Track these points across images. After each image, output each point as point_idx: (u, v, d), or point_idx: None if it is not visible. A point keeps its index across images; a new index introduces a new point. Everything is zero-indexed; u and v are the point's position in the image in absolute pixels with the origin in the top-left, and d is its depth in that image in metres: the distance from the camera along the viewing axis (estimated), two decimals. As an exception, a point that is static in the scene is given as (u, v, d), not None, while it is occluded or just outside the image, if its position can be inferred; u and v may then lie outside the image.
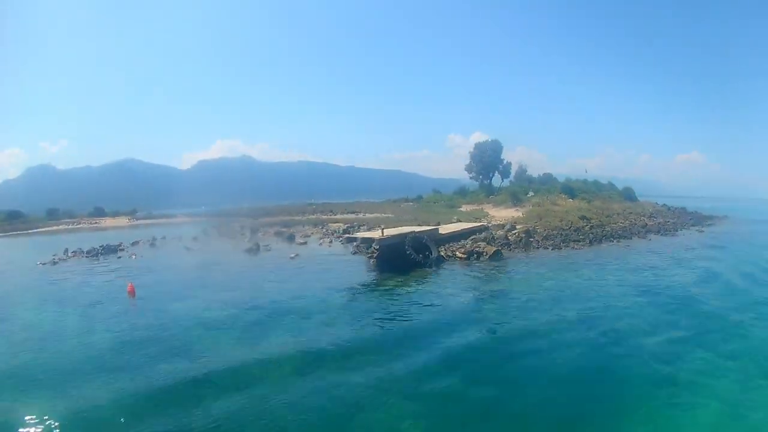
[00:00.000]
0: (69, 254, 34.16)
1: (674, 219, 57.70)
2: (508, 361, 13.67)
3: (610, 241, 40.17)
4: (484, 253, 31.54)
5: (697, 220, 59.32)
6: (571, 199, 65.05)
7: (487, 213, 54.81)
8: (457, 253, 31.75)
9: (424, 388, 11.76)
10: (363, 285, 24.60)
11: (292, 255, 33.16)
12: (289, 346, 14.57)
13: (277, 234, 44.83)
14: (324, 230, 47.32)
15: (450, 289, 23.27)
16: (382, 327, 16.93)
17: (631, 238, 41.89)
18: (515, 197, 63.56)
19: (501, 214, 53.77)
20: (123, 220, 74.83)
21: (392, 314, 18.58)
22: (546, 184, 77.33)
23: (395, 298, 21.47)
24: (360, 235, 31.72)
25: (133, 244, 39.97)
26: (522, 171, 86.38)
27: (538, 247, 36.28)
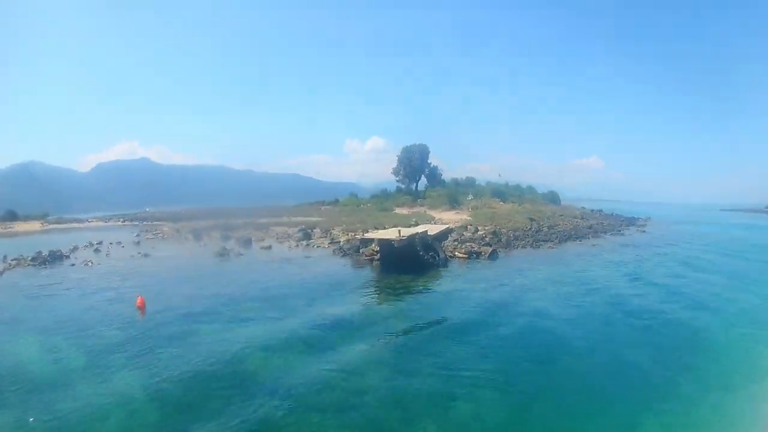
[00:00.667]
0: (10, 262, 28.80)
1: (608, 221, 61.04)
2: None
3: (575, 240, 41.40)
4: (482, 253, 31.00)
5: (629, 221, 63.42)
6: (502, 202, 66.60)
7: (432, 216, 54.24)
8: (457, 253, 30.86)
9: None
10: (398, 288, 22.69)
11: (278, 257, 30.33)
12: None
13: (226, 238, 41.13)
14: (275, 234, 44.20)
15: (483, 284, 23.37)
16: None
17: (589, 238, 43.50)
18: (453, 200, 63.93)
19: (446, 216, 53.57)
20: (35, 225, 66.78)
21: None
22: (470, 188, 78.74)
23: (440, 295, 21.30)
24: (376, 235, 29.38)
25: (73, 250, 34.75)
26: (438, 175, 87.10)
27: (516, 247, 36.26)
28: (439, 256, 28.61)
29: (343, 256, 32.15)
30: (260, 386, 11.01)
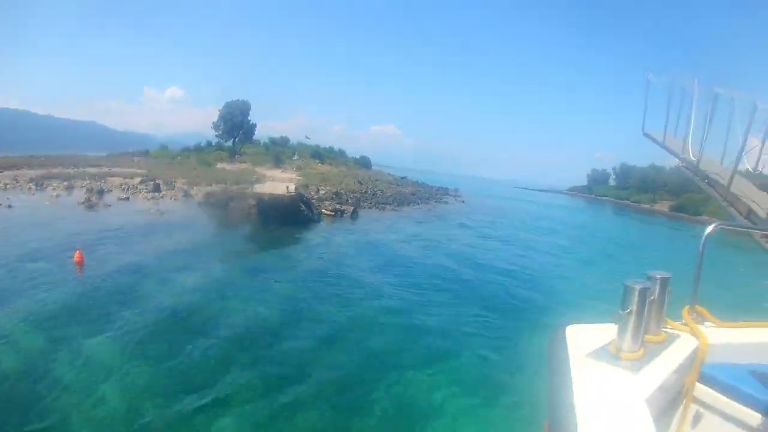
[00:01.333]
0: None
1: (423, 189, 67.85)
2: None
3: (409, 205, 47.25)
4: (345, 211, 34.50)
5: (443, 191, 71.07)
6: (321, 164, 70.34)
7: (263, 174, 55.26)
8: (324, 210, 33.69)
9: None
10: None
11: (153, 210, 29.93)
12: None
13: (69, 188, 38.03)
14: (118, 185, 41.84)
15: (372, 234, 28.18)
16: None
17: (419, 204, 49.79)
18: (277, 159, 65.87)
19: (275, 174, 54.98)
20: None
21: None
22: (284, 147, 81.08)
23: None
24: (266, 189, 32.43)
25: None
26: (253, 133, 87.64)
27: (363, 208, 40.25)
28: (313, 212, 31.27)
29: (211, 207, 32.72)
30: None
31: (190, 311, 12.82)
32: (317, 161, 71.87)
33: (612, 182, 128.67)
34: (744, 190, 5.67)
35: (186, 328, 11.68)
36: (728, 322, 3.08)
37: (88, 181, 42.05)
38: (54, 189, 37.63)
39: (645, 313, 2.28)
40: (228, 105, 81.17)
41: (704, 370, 2.64)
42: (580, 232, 41.63)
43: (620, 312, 2.24)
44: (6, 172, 47.63)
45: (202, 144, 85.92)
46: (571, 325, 2.64)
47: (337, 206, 35.23)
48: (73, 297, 13.29)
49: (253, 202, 30.67)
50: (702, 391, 2.65)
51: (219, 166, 64.48)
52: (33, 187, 37.73)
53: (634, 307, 2.21)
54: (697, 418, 2.70)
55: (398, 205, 45.02)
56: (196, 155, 76.23)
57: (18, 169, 50.76)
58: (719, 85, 5.67)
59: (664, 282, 2.55)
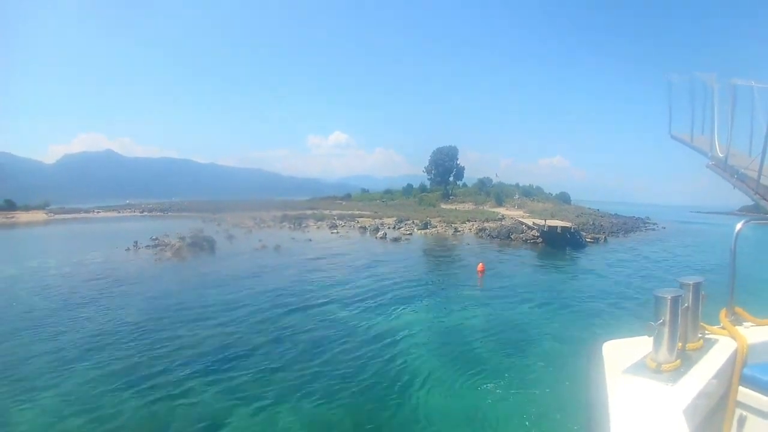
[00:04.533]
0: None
1: (620, 220, 75.82)
2: None
3: (631, 232, 57.01)
4: (600, 239, 45.46)
5: (642, 222, 78.63)
6: (531, 201, 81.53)
7: (499, 212, 67.75)
8: (587, 238, 44.91)
9: None
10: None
11: (452, 242, 43.39)
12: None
13: (332, 226, 53.49)
14: (378, 223, 56.85)
15: (630, 253, 37.59)
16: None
17: (635, 232, 59.43)
18: (499, 198, 78.34)
19: (508, 212, 67.49)
20: (39, 215, 68.63)
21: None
22: (490, 187, 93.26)
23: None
24: (557, 223, 44.15)
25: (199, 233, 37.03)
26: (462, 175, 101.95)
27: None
28: (582, 239, 42.86)
29: (491, 239, 45.61)
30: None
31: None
32: (527, 199, 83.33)
33: (754, 195, 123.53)
34: None
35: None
36: None
37: (342, 222, 56.95)
38: (318, 228, 52.69)
39: (679, 321, 2.39)
40: (438, 151, 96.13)
41: (746, 372, 2.67)
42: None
43: (652, 324, 2.35)
44: (224, 214, 58.54)
45: (383, 187, 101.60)
46: (608, 342, 2.78)
47: (594, 235, 46.55)
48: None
49: (536, 233, 43.13)
50: (745, 394, 2.66)
51: (444, 206, 78.53)
52: (288, 226, 52.59)
53: (667, 317, 2.33)
54: (741, 422, 2.71)
55: (624, 233, 55.35)
56: (403, 198, 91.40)
57: (231, 212, 61.26)
58: (736, 77, 5.61)
59: (697, 287, 2.66)
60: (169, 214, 73.57)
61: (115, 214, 73.37)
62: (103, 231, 47.81)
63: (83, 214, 71.19)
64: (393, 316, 17.41)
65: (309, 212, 64.79)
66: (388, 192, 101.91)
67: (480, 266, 27.78)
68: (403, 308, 18.63)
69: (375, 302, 19.43)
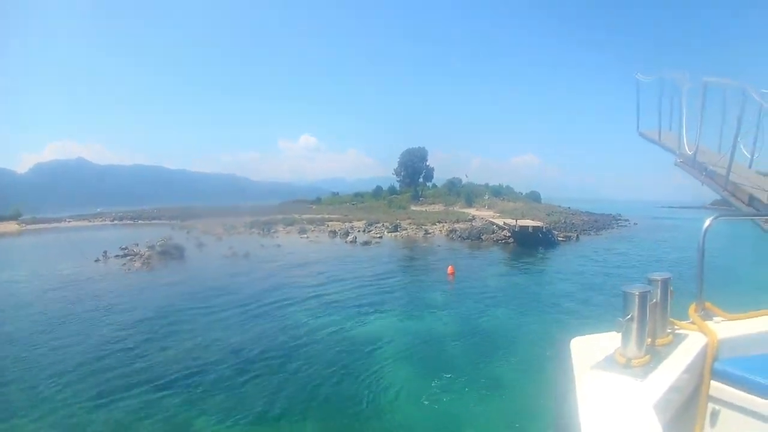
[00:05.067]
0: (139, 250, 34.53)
1: (593, 217, 76.17)
2: None
3: (602, 231, 57.08)
4: (572, 237, 45.23)
5: (614, 218, 78.99)
6: (501, 201, 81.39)
7: (469, 213, 67.24)
8: (559, 236, 44.56)
9: None
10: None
11: (423, 244, 42.73)
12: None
13: (302, 231, 52.61)
14: (348, 227, 55.91)
15: (603, 252, 37.12)
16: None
17: (606, 230, 59.32)
18: (469, 199, 77.96)
19: (478, 213, 67.01)
20: (11, 226, 65.47)
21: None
22: (459, 186, 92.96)
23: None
24: (528, 223, 44.00)
25: (167, 241, 37.08)
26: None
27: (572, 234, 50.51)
28: (554, 238, 42.47)
29: (462, 241, 44.92)
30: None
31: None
32: (497, 198, 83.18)
33: (723, 192, 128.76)
34: (744, 177, 5.69)
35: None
36: (738, 315, 3.16)
37: (312, 226, 55.83)
38: (288, 233, 51.88)
39: (647, 317, 2.39)
40: (407, 152, 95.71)
41: (717, 367, 2.67)
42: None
43: (621, 320, 2.32)
44: (194, 221, 59.80)
45: (355, 190, 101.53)
46: (576, 338, 2.76)
47: (566, 233, 46.24)
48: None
49: (507, 233, 42.56)
50: (717, 388, 2.66)
51: (414, 208, 77.89)
52: (258, 231, 52.00)
53: (635, 313, 2.31)
54: (714, 416, 2.72)
55: (596, 231, 55.18)
56: (373, 200, 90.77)
57: (200, 219, 62.80)
58: (710, 76, 5.69)
59: (665, 283, 2.65)
60: (139, 222, 73.03)
61: (86, 223, 72.21)
62: (73, 241, 46.43)
63: (54, 224, 69.69)
64: (363, 323, 17.20)
65: (279, 217, 63.71)
66: (358, 195, 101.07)
67: (450, 269, 27.76)
68: (373, 314, 18.48)
69: (344, 309, 19.26)
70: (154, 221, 72.83)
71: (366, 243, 42.99)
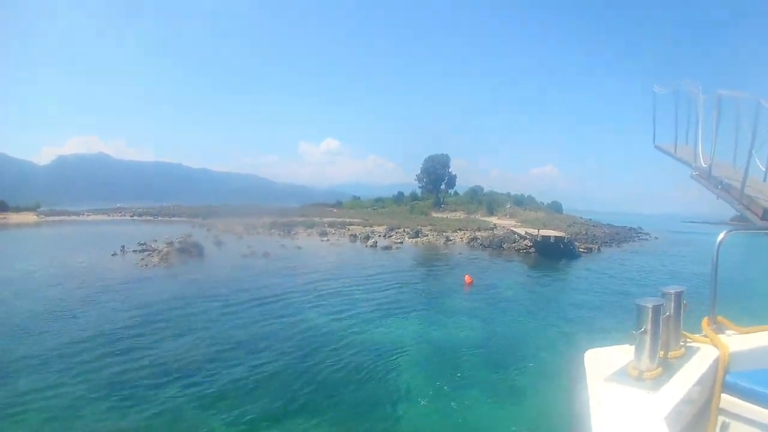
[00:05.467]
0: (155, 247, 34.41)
1: (613, 229, 75.60)
2: None
3: (624, 243, 56.87)
4: (593, 249, 45.13)
5: (635, 232, 78.42)
6: (522, 210, 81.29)
7: (490, 221, 67.40)
8: (580, 248, 44.58)
9: None
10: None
11: (443, 251, 43.11)
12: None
13: (323, 234, 53.07)
14: (369, 231, 56.27)
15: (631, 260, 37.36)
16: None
17: (629, 242, 59.25)
18: (490, 207, 78.02)
19: (500, 222, 67.14)
20: (30, 216, 69.06)
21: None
22: (482, 195, 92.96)
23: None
24: (544, 232, 43.85)
25: (187, 239, 37.14)
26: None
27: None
28: (575, 249, 42.52)
29: (483, 249, 45.19)
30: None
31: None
32: (519, 207, 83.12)
33: (737, 206, 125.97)
34: (758, 191, 5.60)
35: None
36: (750, 328, 3.18)
37: (333, 229, 56.34)
38: (308, 235, 52.24)
39: (660, 330, 2.41)
40: (430, 158, 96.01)
41: (729, 380, 2.69)
42: None
43: (634, 333, 2.37)
44: (214, 220, 60.72)
45: (374, 194, 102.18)
46: (590, 350, 2.80)
47: (587, 245, 46.31)
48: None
49: (528, 242, 42.77)
50: (728, 401, 2.68)
51: (435, 215, 78.13)
52: (302, 232, 53.17)
53: (648, 326, 2.34)
54: (724, 429, 2.73)
55: (618, 243, 55.22)
56: (394, 205, 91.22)
57: (221, 217, 63.32)
58: (723, 87, 5.61)
59: (679, 296, 2.69)
60: (159, 218, 73.72)
61: (104, 217, 73.67)
62: (91, 234, 47.34)
63: (73, 217, 71.26)
64: (381, 328, 17.21)
65: (299, 219, 64.34)
66: (379, 200, 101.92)
67: (467, 278, 27.50)
68: (392, 320, 18.41)
69: (363, 313, 19.22)
70: (174, 218, 73.46)
71: (387, 248, 43.21)
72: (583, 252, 43.97)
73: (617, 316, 19.63)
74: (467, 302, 22.71)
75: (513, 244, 44.62)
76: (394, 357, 13.94)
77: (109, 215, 76.31)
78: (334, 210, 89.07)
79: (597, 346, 2.88)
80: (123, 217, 74.35)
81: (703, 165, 6.29)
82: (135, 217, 74.60)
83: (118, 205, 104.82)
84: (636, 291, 26.28)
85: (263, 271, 28.44)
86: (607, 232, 68.70)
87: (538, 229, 45.35)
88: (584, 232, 59.97)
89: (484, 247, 45.91)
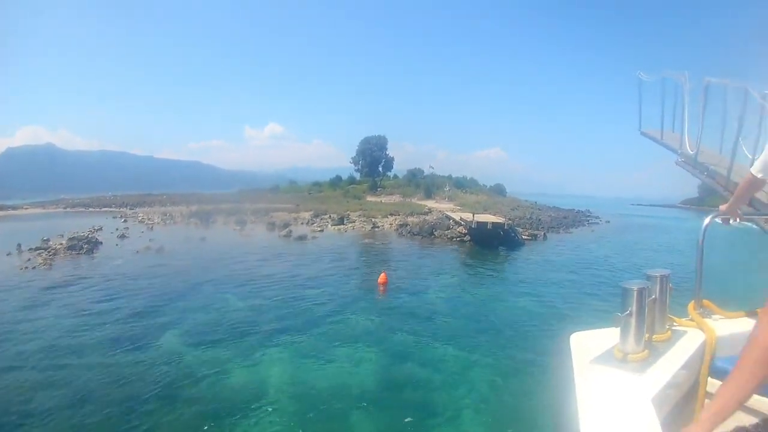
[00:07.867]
0: (42, 246, 30.64)
1: (562, 214, 72.00)
2: None
3: (573, 227, 52.75)
4: (538, 235, 40.23)
5: (585, 215, 74.86)
6: (463, 193, 76.65)
7: (426, 205, 62.07)
8: (524, 234, 39.47)
9: None
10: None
11: (368, 240, 37.65)
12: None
13: (240, 222, 48.39)
14: (292, 219, 50.59)
15: (575, 251, 33.18)
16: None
17: (578, 227, 54.88)
18: (428, 191, 72.92)
19: (437, 206, 61.82)
20: None
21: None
22: (420, 177, 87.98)
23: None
24: (480, 218, 37.74)
25: (92, 233, 36.02)
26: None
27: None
28: (517, 236, 37.30)
29: (413, 237, 39.52)
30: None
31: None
32: (459, 191, 78.31)
33: (724, 192, 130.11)
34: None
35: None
36: (736, 313, 3.17)
37: (254, 217, 51.52)
38: (225, 224, 48.01)
39: (646, 313, 2.39)
40: (366, 140, 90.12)
41: (716, 364, 2.68)
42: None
43: (619, 315, 2.34)
44: (141, 209, 60.35)
45: (320, 179, 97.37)
46: (575, 333, 2.78)
47: (531, 231, 41.19)
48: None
49: (463, 229, 37.13)
50: (714, 385, 2.65)
51: (369, 199, 72.62)
52: (219, 220, 49.02)
53: (633, 308, 2.32)
54: None
55: (567, 228, 50.37)
56: (330, 190, 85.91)
57: (150, 206, 64.61)
58: (711, 75, 5.75)
59: (664, 280, 2.67)
60: (90, 209, 71.41)
61: (41, 210, 71.27)
62: (13, 230, 41.09)
63: (11, 212, 67.82)
64: (250, 360, 12.09)
65: (223, 207, 59.82)
66: (316, 184, 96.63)
67: (381, 277, 21.72)
68: (269, 347, 13.09)
69: (229, 334, 14.14)
70: (104, 209, 71.46)
71: (301, 238, 37.38)
72: (526, 239, 38.64)
73: (563, 337, 14.12)
74: (376, 314, 16.95)
75: (446, 231, 38.85)
76: (266, 409, 9.40)
77: (45, 208, 74.02)
78: (269, 195, 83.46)
79: (582, 329, 2.77)
80: (57, 210, 71.47)
81: (689, 151, 6.59)
82: (68, 209, 71.85)
83: (62, 196, 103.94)
84: (592, 287, 22.47)
85: (142, 271, 24.14)
86: (554, 216, 64.20)
87: (474, 214, 39.17)
88: (528, 216, 55.13)
89: (413, 234, 40.05)
